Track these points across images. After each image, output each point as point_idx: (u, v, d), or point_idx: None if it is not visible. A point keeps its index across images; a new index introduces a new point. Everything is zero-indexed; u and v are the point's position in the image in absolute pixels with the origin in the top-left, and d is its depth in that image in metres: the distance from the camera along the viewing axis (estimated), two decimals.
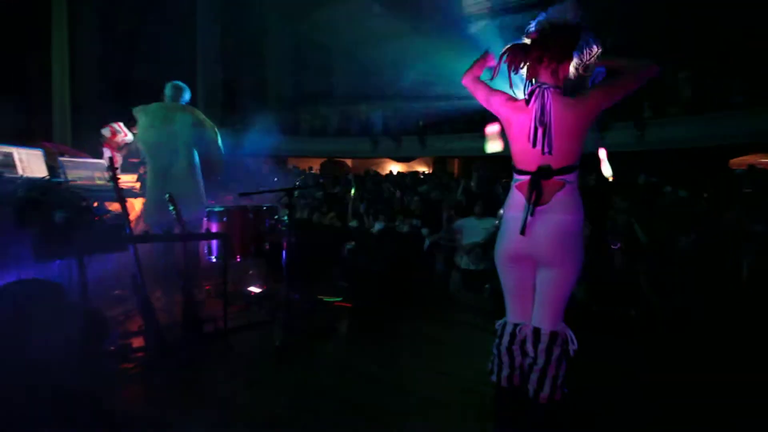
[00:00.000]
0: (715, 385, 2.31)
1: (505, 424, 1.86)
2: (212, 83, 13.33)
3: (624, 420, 2.04)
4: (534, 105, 1.64)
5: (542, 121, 1.61)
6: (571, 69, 1.66)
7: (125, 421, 1.87)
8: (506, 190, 1.87)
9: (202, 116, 3.46)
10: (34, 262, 2.05)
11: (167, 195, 2.50)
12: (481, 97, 1.85)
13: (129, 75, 9.50)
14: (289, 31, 14.30)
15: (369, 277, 3.96)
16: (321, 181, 4.70)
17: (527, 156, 1.69)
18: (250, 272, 4.14)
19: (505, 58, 1.69)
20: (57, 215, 2.07)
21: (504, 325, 1.85)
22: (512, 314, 1.83)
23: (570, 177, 1.67)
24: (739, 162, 9.06)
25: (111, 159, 2.34)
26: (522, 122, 1.69)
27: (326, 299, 3.75)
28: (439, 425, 1.97)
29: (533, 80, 1.70)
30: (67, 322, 1.73)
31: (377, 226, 5.96)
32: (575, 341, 1.73)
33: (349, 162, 15.86)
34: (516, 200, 1.74)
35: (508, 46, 1.71)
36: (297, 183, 5.45)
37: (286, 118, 13.86)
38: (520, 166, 1.74)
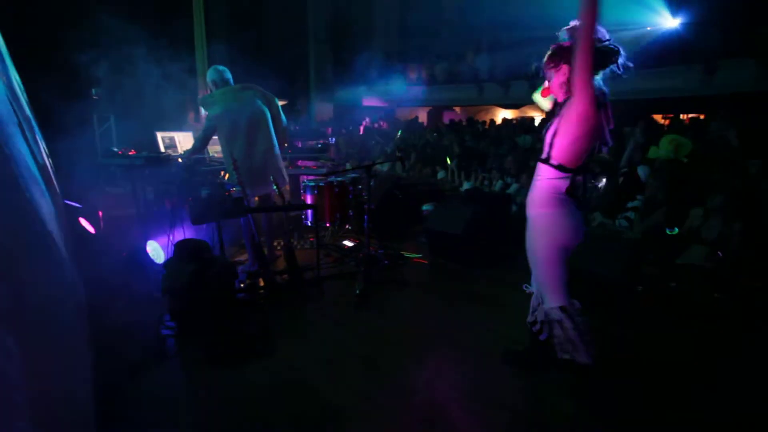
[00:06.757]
0: None
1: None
2: (322, 43, 14.12)
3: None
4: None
5: None
6: None
7: (251, 339, 2.75)
8: None
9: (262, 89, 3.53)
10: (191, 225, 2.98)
11: (271, 177, 3.22)
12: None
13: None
14: None
15: (448, 237, 4.34)
16: (399, 155, 5.07)
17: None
18: (347, 227, 4.90)
19: None
20: (203, 192, 2.93)
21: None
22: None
23: None
24: None
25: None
26: None
27: (406, 255, 4.33)
28: (480, 371, 2.42)
29: None
30: (215, 269, 2.58)
31: (466, 185, 6.21)
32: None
33: (457, 110, 15.67)
34: None
35: None
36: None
37: (394, 70, 14.15)
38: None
